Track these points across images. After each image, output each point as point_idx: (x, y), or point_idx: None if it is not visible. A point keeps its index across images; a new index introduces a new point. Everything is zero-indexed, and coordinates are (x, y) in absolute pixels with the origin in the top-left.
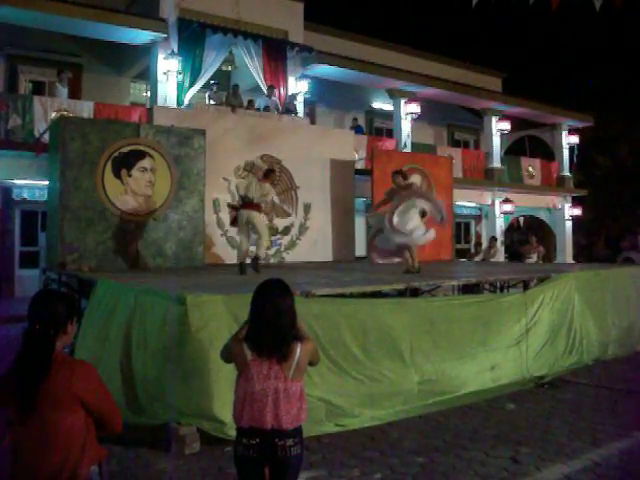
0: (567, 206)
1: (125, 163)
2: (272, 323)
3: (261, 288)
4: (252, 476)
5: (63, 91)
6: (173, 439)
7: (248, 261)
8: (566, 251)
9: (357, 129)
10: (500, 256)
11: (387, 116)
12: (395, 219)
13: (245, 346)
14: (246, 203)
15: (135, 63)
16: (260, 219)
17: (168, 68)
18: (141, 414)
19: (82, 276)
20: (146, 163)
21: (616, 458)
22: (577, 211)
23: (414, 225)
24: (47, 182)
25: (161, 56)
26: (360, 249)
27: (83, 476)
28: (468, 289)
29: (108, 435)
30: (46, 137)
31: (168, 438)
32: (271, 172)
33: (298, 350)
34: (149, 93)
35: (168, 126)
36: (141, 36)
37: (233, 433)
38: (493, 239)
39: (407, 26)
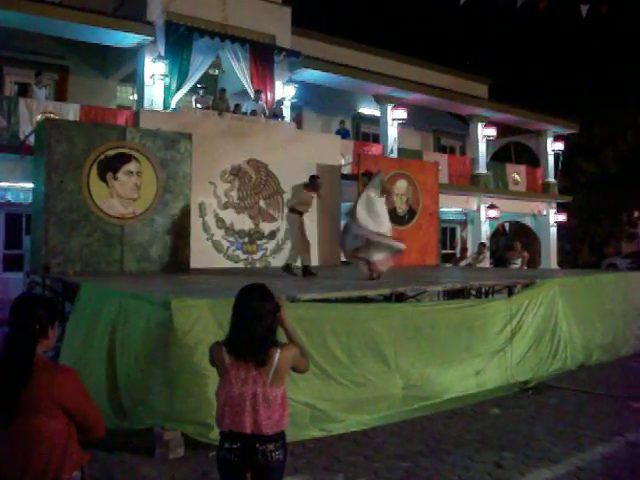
0: (552, 212)
1: (111, 166)
2: (249, 327)
3: (241, 292)
4: None
5: (40, 93)
6: (157, 444)
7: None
8: (551, 257)
9: (344, 133)
10: (485, 261)
11: (374, 121)
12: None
13: (224, 350)
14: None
15: (122, 66)
16: (292, 225)
17: (155, 71)
18: (125, 419)
19: (66, 280)
20: (132, 166)
21: (599, 463)
22: (562, 217)
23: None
24: (32, 185)
25: (148, 59)
26: None
27: None
28: (453, 294)
29: (91, 440)
30: (31, 139)
31: (152, 443)
32: (312, 179)
33: (277, 356)
34: (136, 96)
35: (154, 129)
36: (128, 39)
37: (217, 437)
38: (482, 245)
39: (394, 32)
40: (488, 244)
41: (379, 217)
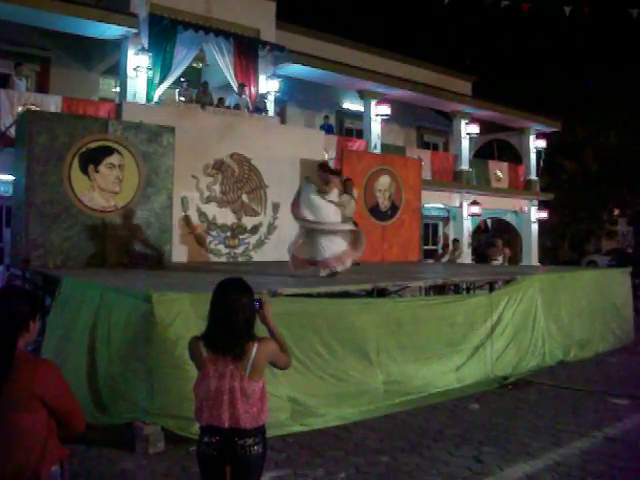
0: (533, 209)
1: (92, 159)
2: (225, 321)
3: (218, 286)
4: (213, 474)
5: (20, 84)
6: (137, 438)
7: None
8: (532, 254)
9: (328, 127)
10: (466, 257)
11: (357, 117)
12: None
13: (201, 344)
14: None
15: (105, 58)
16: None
17: (138, 64)
18: (105, 413)
19: (47, 273)
20: (114, 159)
21: (577, 458)
22: (543, 214)
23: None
24: (12, 177)
25: (131, 51)
26: None
27: (45, 476)
28: (435, 290)
29: (71, 435)
30: (12, 131)
31: (132, 437)
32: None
33: (254, 350)
34: (118, 89)
35: (137, 122)
36: (111, 31)
37: (197, 432)
38: (456, 241)
39: (379, 27)
40: (470, 240)
41: (320, 210)
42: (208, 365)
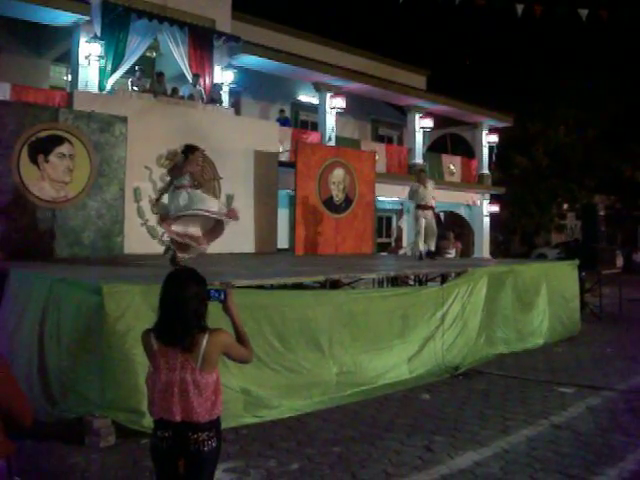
0: (485, 203)
1: (42, 148)
2: (174, 312)
3: (168, 277)
4: (166, 468)
5: None
6: (87, 432)
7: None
8: (483, 247)
9: (284, 121)
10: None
11: (312, 109)
12: None
13: (152, 336)
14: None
15: (56, 45)
16: (417, 219)
17: (90, 52)
18: (56, 407)
19: None
20: (64, 149)
21: (524, 445)
22: (495, 208)
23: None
24: None
25: (83, 39)
26: (282, 241)
27: None
28: (389, 282)
29: (17, 430)
30: None
31: (82, 431)
32: (418, 173)
33: (204, 341)
34: (70, 77)
35: (88, 111)
36: (62, 17)
37: (149, 425)
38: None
39: (336, 20)
40: None
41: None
42: (159, 357)
